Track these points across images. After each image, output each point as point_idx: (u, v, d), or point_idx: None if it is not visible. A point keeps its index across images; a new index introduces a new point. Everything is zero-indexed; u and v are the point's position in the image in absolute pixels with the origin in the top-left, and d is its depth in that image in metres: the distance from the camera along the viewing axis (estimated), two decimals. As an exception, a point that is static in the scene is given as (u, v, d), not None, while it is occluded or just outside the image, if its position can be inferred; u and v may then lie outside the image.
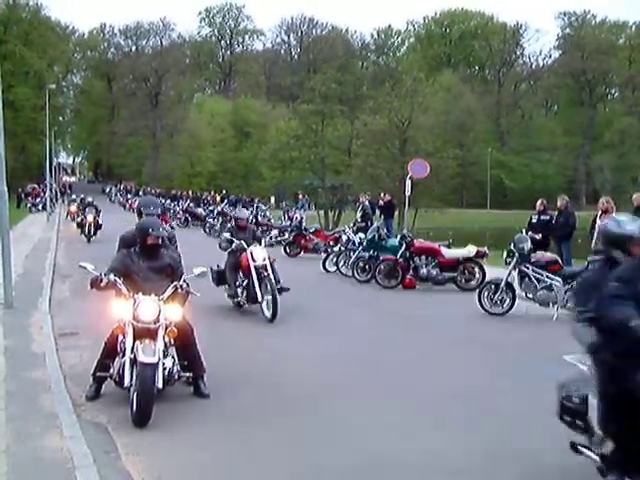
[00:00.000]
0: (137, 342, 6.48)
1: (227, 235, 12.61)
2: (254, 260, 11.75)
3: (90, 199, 30.68)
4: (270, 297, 11.32)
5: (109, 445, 5.88)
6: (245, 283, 12.08)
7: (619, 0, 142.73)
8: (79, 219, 29.38)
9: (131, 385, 6.41)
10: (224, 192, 62.04)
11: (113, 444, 5.91)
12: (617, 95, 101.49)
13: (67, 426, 6.06)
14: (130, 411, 6.35)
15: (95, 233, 26.46)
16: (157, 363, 6.39)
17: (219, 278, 12.55)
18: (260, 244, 12.39)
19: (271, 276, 11.60)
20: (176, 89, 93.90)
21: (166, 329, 6.66)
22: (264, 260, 11.81)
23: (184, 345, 7.03)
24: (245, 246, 12.05)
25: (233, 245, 12.26)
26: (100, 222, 27.00)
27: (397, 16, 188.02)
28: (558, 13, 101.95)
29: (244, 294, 12.12)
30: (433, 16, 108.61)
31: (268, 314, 11.31)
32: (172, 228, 16.29)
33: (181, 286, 7.00)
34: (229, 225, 14.13)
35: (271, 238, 26.96)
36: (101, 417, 6.55)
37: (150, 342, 6.48)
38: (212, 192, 62.74)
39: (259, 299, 11.55)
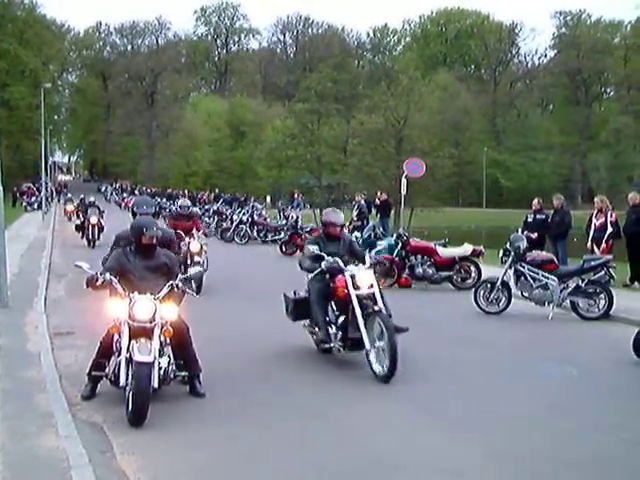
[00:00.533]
0: (133, 341, 6.45)
1: (313, 248, 8.71)
2: (356, 288, 8.20)
3: (92, 199, 28.06)
4: (384, 343, 7.79)
5: (105, 445, 5.87)
6: (342, 321, 8.40)
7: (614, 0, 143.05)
8: (78, 221, 27.22)
9: (127, 384, 6.38)
10: (217, 191, 61.87)
11: (109, 444, 5.89)
12: (613, 94, 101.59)
13: (62, 425, 6.04)
14: (126, 410, 6.33)
15: (99, 237, 23.85)
16: (153, 362, 6.36)
17: (298, 310, 9.08)
18: (363, 262, 8.64)
19: (383, 310, 8.13)
20: (172, 88, 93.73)
21: (162, 328, 6.63)
22: (371, 287, 8.32)
23: (180, 344, 7.01)
24: (342, 266, 8.39)
25: (323, 264, 8.49)
26: (103, 224, 24.60)
27: (393, 15, 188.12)
28: (554, 12, 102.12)
29: (339, 336, 8.40)
30: (429, 15, 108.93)
31: (379, 368, 7.86)
32: (206, 236, 15.84)
33: (177, 285, 6.96)
34: (314, 235, 10.07)
35: (266, 236, 27.06)
36: (97, 417, 6.54)
37: (146, 341, 6.44)
38: (209, 191, 62.65)
39: (366, 345, 7.98)
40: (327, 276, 8.62)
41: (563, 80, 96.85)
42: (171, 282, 6.96)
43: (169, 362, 6.84)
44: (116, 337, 6.75)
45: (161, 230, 7.52)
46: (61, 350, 8.96)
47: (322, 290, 8.63)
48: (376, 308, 8.07)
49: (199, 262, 13.54)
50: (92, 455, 5.44)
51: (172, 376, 6.90)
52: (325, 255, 8.57)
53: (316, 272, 8.63)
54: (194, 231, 14.73)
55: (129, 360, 6.41)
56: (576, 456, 5.79)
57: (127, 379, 6.39)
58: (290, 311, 9.21)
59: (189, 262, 13.34)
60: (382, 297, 8.35)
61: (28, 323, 10.57)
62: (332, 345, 8.47)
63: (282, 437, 6.17)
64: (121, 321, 6.65)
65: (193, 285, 8.43)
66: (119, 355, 6.60)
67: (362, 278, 8.28)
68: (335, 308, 8.57)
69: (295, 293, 9.24)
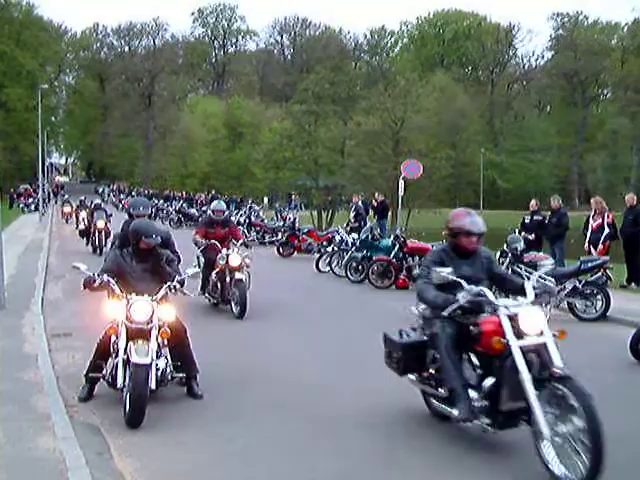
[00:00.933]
0: (130, 343, 6.46)
1: (445, 271, 5.98)
2: (519, 336, 5.57)
3: (98, 201, 26.02)
4: (573, 428, 5.20)
5: (102, 446, 5.86)
6: (490, 385, 5.73)
7: (611, 1, 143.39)
8: (82, 226, 25.33)
9: (124, 386, 6.39)
10: (213, 192, 61.65)
11: (106, 445, 5.89)
12: (609, 96, 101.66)
13: (60, 427, 6.03)
14: (123, 412, 6.33)
15: (105, 243, 20.76)
16: (150, 364, 6.36)
17: (408, 361, 6.92)
18: (521, 293, 6.16)
19: (567, 374, 5.51)
20: (169, 89, 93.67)
21: (159, 330, 6.62)
22: (541, 335, 5.71)
23: (177, 345, 7.01)
24: (492, 299, 5.86)
25: (461, 296, 5.86)
26: (110, 229, 20.77)
27: (391, 17, 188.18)
28: (551, 14, 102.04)
29: (485, 407, 5.86)
30: (426, 16, 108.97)
31: (564, 473, 5.51)
32: (247, 247, 12.94)
33: (174, 286, 6.98)
34: (437, 248, 7.62)
35: (264, 238, 27.09)
36: (94, 418, 6.54)
37: (143, 343, 6.44)
38: (206, 193, 62.51)
39: (542, 429, 5.30)
40: (460, 313, 5.94)
41: (560, 82, 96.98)
42: (168, 283, 6.96)
43: (167, 364, 6.85)
44: (113, 339, 6.75)
45: (160, 232, 7.47)
46: (58, 352, 8.96)
47: (457, 337, 5.90)
48: (556, 371, 5.30)
49: (241, 279, 11.73)
50: (89, 457, 5.43)
51: (170, 377, 6.91)
52: (463, 282, 5.87)
53: (453, 307, 5.88)
54: (232, 241, 12.39)
55: (126, 361, 6.41)
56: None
57: (124, 380, 6.39)
58: (396, 361, 6.50)
59: (228, 280, 11.88)
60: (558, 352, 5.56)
61: (25, 324, 10.56)
62: (474, 421, 5.76)
63: (279, 440, 6.16)
64: (118, 322, 6.64)
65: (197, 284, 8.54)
66: (116, 357, 6.60)
67: (528, 320, 5.62)
68: (478, 364, 5.80)
69: (402, 334, 6.55)
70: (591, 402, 4.94)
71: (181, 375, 7.13)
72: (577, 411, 4.97)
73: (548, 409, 5.20)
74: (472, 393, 5.66)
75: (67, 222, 34.94)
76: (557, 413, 5.17)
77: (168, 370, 6.86)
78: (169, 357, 6.94)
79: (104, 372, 6.85)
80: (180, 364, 7.08)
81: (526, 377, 5.26)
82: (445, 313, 5.87)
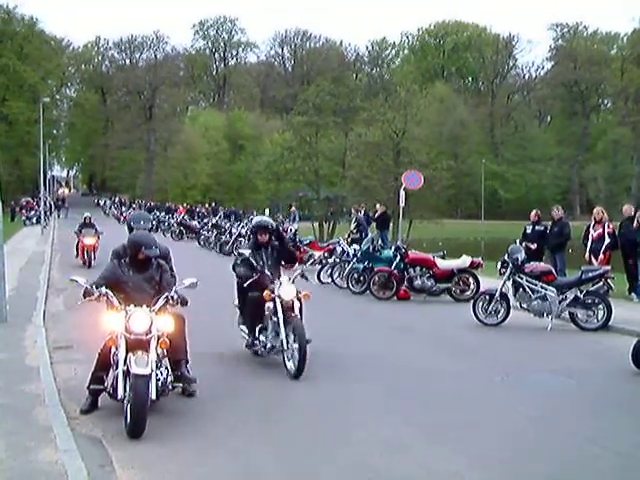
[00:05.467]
0: (130, 354, 6.47)
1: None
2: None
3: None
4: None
5: (104, 458, 5.85)
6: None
7: (611, 12, 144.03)
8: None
9: (125, 397, 6.40)
10: (213, 204, 61.44)
11: (108, 457, 5.88)
12: (610, 105, 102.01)
13: (62, 440, 6.03)
14: (124, 423, 6.34)
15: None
16: (150, 374, 6.37)
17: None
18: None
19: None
20: (170, 102, 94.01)
21: (158, 340, 6.62)
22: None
23: (175, 337, 6.99)
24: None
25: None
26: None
27: (391, 28, 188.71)
28: (550, 24, 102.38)
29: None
30: (427, 28, 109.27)
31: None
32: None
33: (172, 297, 6.98)
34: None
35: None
36: (96, 430, 6.53)
37: (143, 354, 6.46)
38: (208, 204, 62.54)
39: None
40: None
41: (560, 92, 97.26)
42: (166, 294, 6.96)
43: (167, 374, 6.87)
44: (113, 350, 6.76)
45: (158, 247, 7.46)
46: (60, 364, 8.96)
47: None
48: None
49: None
50: (91, 469, 5.43)
51: (170, 387, 6.93)
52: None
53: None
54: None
55: (126, 373, 6.42)
56: (559, 465, 5.81)
57: (125, 392, 6.39)
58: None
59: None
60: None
61: (27, 337, 10.56)
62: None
63: (282, 452, 6.14)
64: (118, 334, 6.65)
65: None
66: (117, 368, 6.61)
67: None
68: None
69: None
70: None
71: (181, 385, 7.16)
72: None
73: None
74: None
75: (86, 263, 21.59)
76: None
77: (169, 380, 6.88)
78: (169, 367, 6.96)
79: (106, 384, 6.86)
80: (180, 374, 7.12)
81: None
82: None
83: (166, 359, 6.93)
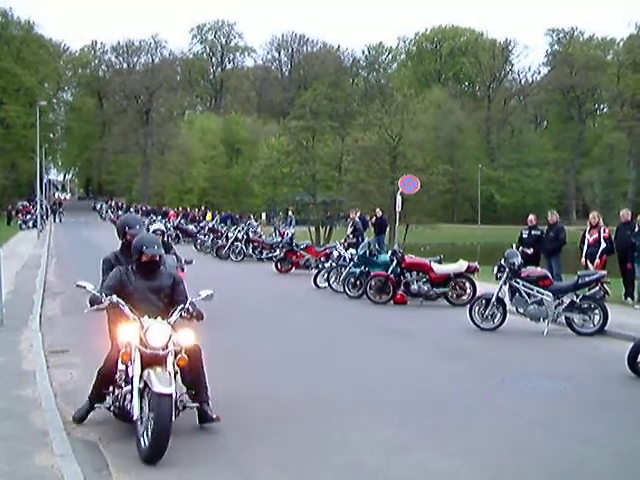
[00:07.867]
0: (148, 370, 5.90)
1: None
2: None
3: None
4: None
5: (100, 463, 5.83)
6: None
7: (607, 17, 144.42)
8: None
9: (141, 418, 5.87)
10: (203, 208, 60.39)
11: (104, 462, 5.86)
12: (606, 110, 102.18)
13: (58, 444, 6.02)
14: (138, 446, 5.86)
15: None
16: (171, 394, 5.82)
17: None
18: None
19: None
20: (167, 106, 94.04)
21: (176, 356, 6.09)
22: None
23: (192, 369, 6.40)
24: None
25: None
26: None
27: (388, 33, 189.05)
28: (547, 30, 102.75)
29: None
30: (424, 33, 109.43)
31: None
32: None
33: (188, 309, 6.41)
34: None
35: (262, 254, 27.12)
36: (92, 435, 6.50)
37: (163, 370, 5.91)
38: (204, 208, 62.36)
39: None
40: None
41: (556, 97, 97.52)
42: (182, 306, 6.40)
43: (180, 392, 6.37)
44: (121, 366, 6.21)
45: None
46: (56, 368, 8.94)
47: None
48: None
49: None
50: (87, 473, 5.42)
51: (182, 407, 6.37)
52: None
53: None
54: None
55: (142, 390, 5.92)
56: (557, 468, 5.83)
57: (141, 412, 5.88)
58: None
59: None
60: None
61: (23, 341, 10.54)
62: None
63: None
64: (131, 347, 6.05)
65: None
66: (127, 385, 6.11)
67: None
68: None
69: None
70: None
71: (195, 404, 6.53)
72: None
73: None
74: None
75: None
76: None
77: (181, 398, 6.36)
78: (181, 384, 6.44)
79: (107, 401, 6.48)
80: (192, 389, 6.52)
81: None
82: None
83: (178, 376, 6.28)
